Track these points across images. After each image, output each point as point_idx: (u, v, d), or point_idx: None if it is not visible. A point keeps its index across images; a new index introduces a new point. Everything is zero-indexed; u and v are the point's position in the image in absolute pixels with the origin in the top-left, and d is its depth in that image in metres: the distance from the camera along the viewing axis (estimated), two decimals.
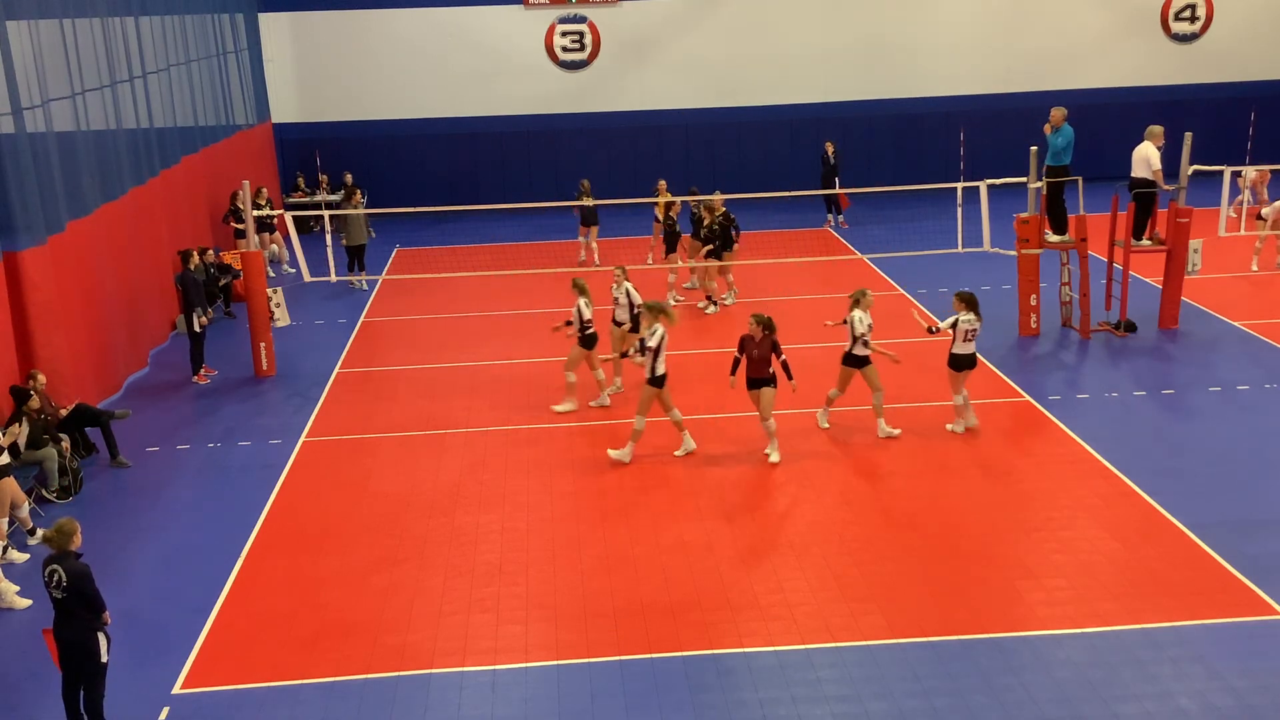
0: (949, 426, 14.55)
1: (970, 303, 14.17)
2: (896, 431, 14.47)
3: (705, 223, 20.47)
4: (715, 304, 20.53)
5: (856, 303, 14.28)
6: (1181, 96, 30.33)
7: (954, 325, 14.14)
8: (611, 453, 14.12)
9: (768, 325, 13.57)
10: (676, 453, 14.17)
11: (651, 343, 13.79)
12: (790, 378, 13.76)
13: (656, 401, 13.98)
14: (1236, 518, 12.11)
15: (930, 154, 30.39)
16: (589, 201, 23.20)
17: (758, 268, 22.08)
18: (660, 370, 13.86)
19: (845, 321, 14.38)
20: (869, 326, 14.22)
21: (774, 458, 13.88)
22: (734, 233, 20.42)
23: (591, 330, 15.59)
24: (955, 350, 14.21)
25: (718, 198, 20.98)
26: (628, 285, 16.20)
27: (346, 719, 9.35)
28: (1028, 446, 14.02)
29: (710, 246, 20.23)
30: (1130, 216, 18.08)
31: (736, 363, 13.85)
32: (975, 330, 14.15)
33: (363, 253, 22.62)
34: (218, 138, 24.10)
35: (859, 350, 14.27)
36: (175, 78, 21.31)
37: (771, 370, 13.71)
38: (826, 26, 29.89)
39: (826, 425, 14.84)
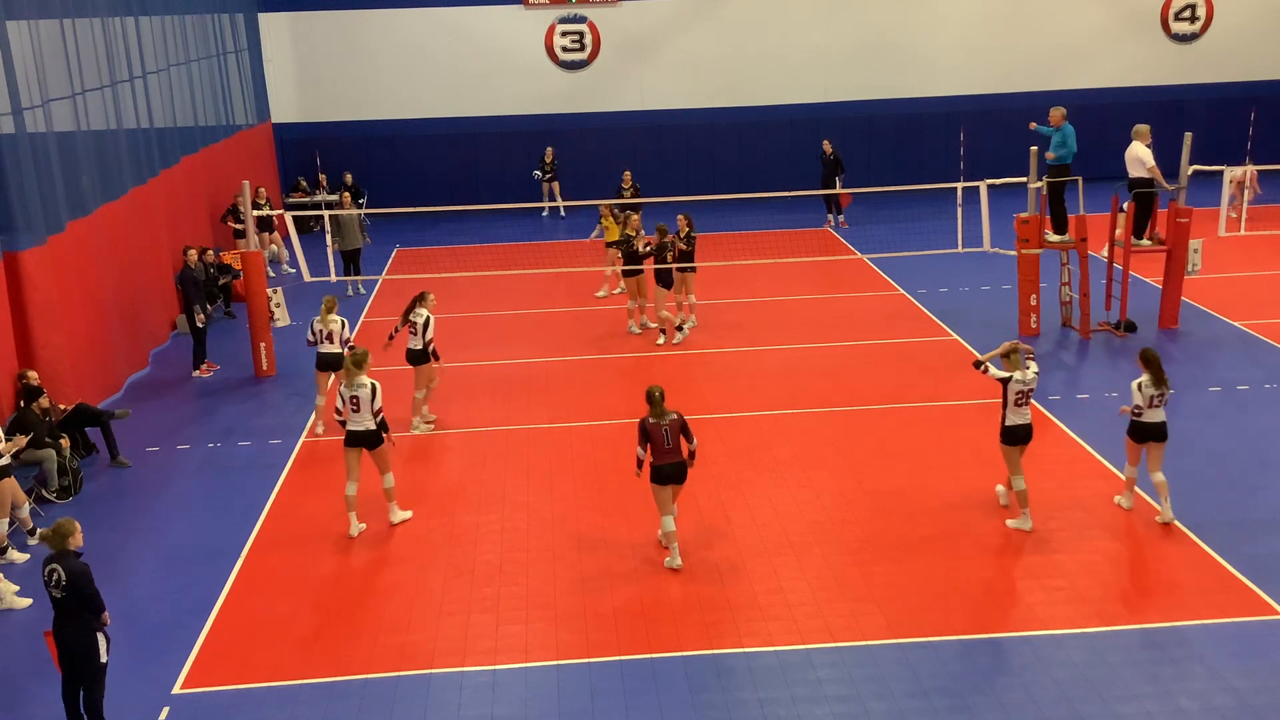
0: (1117, 499, 12.58)
1: (1150, 364, 11.91)
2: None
3: (670, 246, 17.98)
4: (681, 329, 18.55)
5: (1007, 356, 12.19)
6: (1181, 96, 30.33)
7: (1139, 388, 11.88)
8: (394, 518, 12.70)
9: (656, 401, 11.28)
10: (350, 532, 12.38)
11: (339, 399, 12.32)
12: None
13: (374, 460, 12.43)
14: (1236, 518, 12.11)
15: (930, 154, 30.36)
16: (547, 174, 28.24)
17: (758, 268, 22.09)
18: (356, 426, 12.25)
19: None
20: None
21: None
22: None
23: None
24: (1142, 419, 11.98)
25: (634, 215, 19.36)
26: (339, 318, 14.99)
27: (346, 719, 9.36)
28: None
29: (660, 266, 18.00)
30: (1130, 216, 18.08)
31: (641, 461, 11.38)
32: (1161, 396, 11.87)
33: (358, 257, 22.28)
34: (218, 138, 24.10)
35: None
36: (175, 78, 21.31)
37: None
38: (826, 26, 29.88)
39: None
